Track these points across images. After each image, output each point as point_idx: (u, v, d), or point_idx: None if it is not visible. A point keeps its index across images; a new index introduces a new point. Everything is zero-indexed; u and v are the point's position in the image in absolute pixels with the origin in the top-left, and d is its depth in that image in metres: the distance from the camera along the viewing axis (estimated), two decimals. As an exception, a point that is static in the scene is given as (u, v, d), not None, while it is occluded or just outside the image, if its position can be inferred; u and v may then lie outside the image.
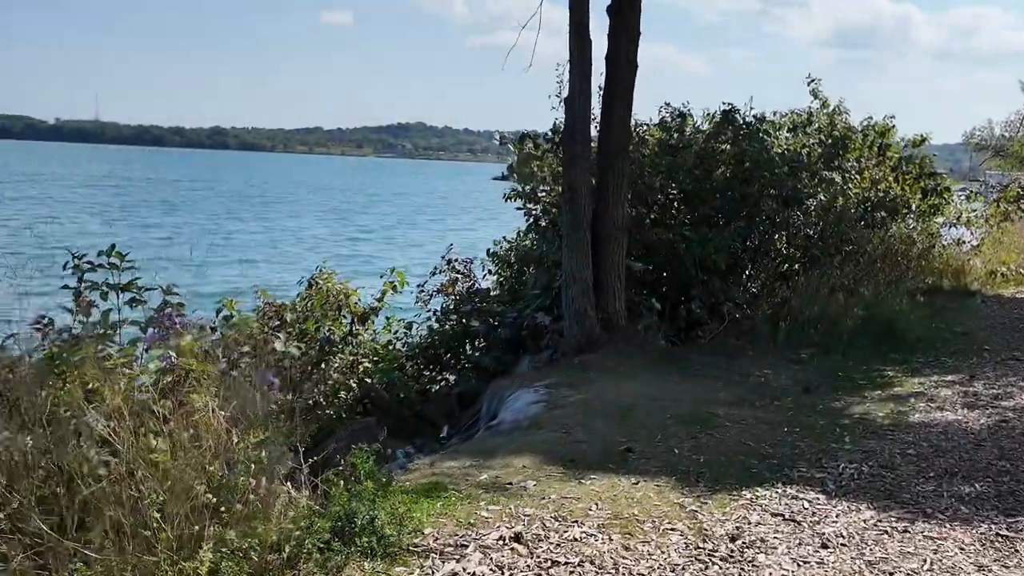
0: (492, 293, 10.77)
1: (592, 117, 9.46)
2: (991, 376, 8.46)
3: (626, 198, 9.37)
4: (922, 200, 14.68)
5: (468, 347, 9.97)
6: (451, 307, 10.47)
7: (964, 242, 15.09)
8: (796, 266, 11.08)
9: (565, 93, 9.20)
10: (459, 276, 10.88)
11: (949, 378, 8.39)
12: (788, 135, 13.86)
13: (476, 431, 7.96)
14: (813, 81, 14.85)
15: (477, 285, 10.75)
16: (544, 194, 10.02)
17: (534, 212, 9.89)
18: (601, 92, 9.42)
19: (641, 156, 10.79)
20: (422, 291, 10.76)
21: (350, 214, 59.79)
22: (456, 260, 11.01)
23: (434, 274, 10.98)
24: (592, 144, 9.51)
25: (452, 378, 9.67)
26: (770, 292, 10.87)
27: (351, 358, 9.17)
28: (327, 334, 8.94)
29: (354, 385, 9.06)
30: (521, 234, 10.44)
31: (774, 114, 15.00)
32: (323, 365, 8.89)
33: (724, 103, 10.75)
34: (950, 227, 15.79)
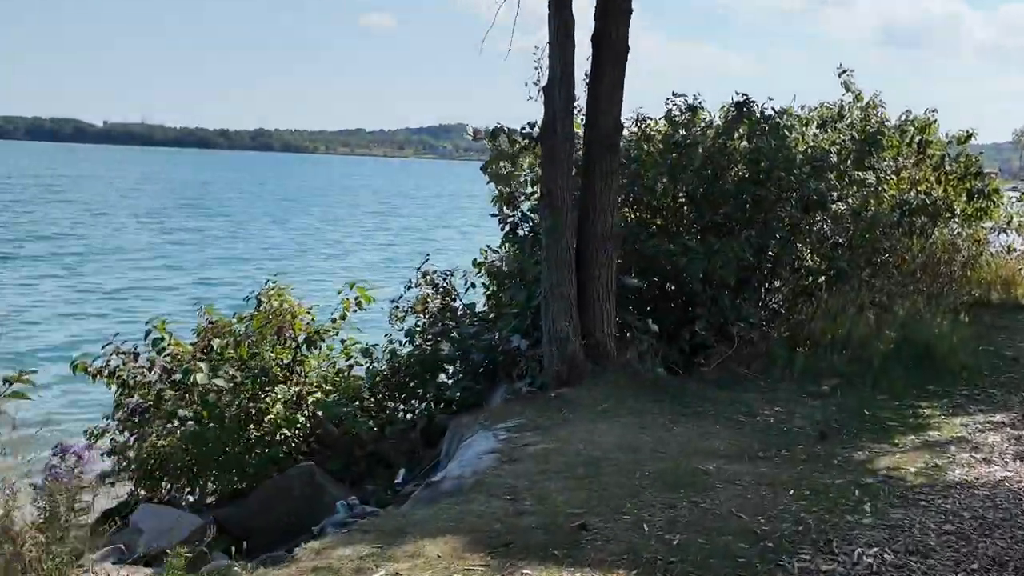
0: (480, 310, 9.57)
1: (578, 108, 8.25)
2: (1050, 415, 7.12)
3: (616, 202, 8.14)
4: (967, 203, 13.25)
5: (441, 374, 8.76)
6: (421, 327, 9.28)
7: (1016, 249, 13.59)
8: (821, 280, 9.74)
9: (545, 80, 7.97)
10: (433, 291, 9.71)
11: (998, 418, 7.06)
12: (817, 131, 12.62)
13: (435, 477, 6.77)
14: (844, 72, 13.60)
15: (458, 301, 9.55)
16: (524, 197, 8.79)
17: (511, 219, 8.65)
18: (587, 79, 8.18)
19: (642, 154, 9.55)
20: (396, 308, 9.60)
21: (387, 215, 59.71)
22: (433, 273, 9.84)
23: (409, 288, 9.82)
24: (578, 139, 8.29)
25: (422, 410, 8.49)
26: (790, 310, 9.55)
27: (297, 388, 8.01)
28: (266, 361, 7.79)
29: (302, 419, 7.93)
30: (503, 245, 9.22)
31: (802, 108, 13.86)
32: (265, 398, 7.76)
33: (738, 93, 9.45)
34: (999, 232, 14.30)
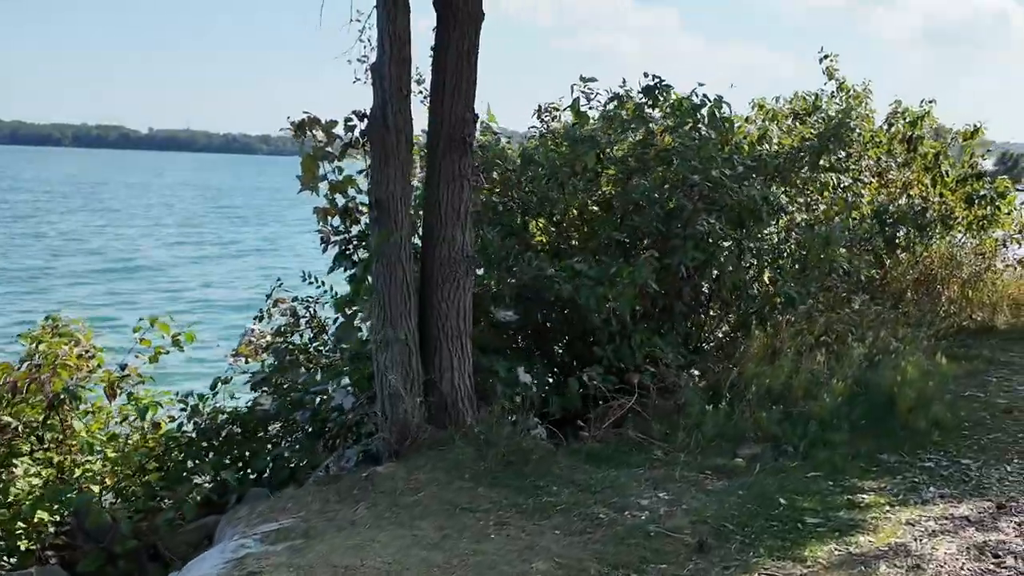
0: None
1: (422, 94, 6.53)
2: (1036, 504, 5.26)
3: (469, 214, 6.36)
4: (967, 209, 11.35)
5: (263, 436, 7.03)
6: (270, 371, 7.55)
7: (1021, 265, 11.64)
8: (767, 309, 7.89)
9: (374, 56, 6.24)
10: (292, 323, 7.99)
11: (962, 509, 5.23)
12: (794, 125, 10.89)
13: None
14: (827, 57, 11.79)
15: (306, 333, 7.84)
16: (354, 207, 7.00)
17: (342, 235, 6.82)
18: (432, 57, 6.43)
19: (544, 155, 7.80)
20: (235, 353, 7.89)
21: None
22: (294, 301, 8.13)
23: (260, 319, 8.11)
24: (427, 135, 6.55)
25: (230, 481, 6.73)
26: (722, 351, 7.73)
27: (59, 457, 6.31)
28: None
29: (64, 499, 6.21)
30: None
31: (776, 99, 12.08)
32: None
33: (647, 75, 7.65)
34: (1017, 244, 12.31)
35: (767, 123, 11.09)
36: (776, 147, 9.35)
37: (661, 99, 7.70)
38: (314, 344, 7.88)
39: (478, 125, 6.79)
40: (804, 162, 8.52)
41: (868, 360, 7.68)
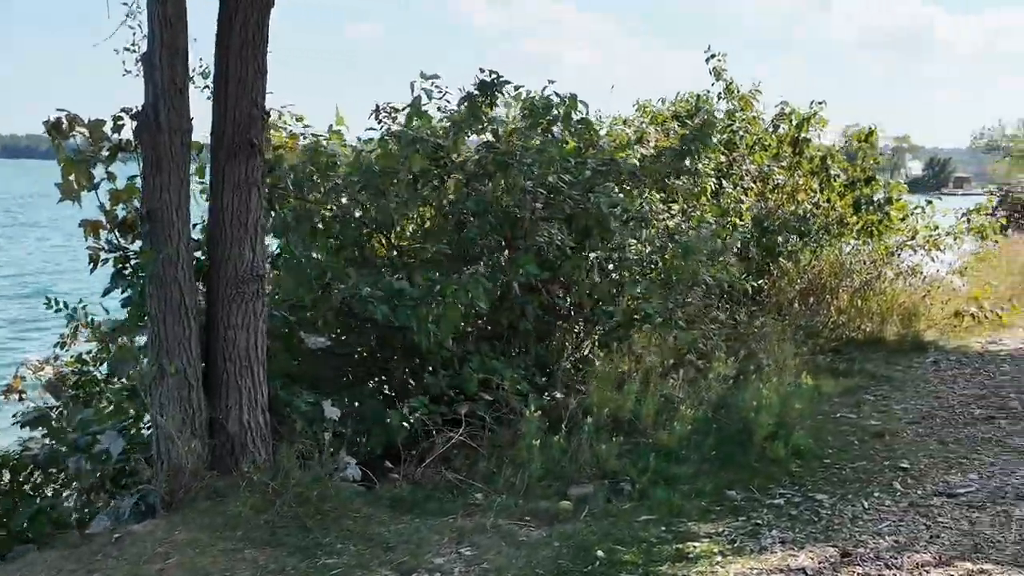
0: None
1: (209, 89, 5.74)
2: (887, 548, 4.65)
3: (261, 225, 5.59)
4: (855, 214, 10.92)
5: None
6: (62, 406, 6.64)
7: (922, 272, 11.23)
8: (625, 328, 7.24)
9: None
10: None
11: (801, 559, 4.60)
12: (677, 127, 10.31)
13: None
14: (714, 57, 11.28)
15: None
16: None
17: (118, 251, 5.96)
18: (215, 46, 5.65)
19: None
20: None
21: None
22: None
23: (63, 346, 7.18)
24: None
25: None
26: (577, 375, 7.06)
27: None
28: None
29: None
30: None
31: (661, 101, 11.58)
32: None
33: (483, 70, 6.95)
34: (912, 251, 11.89)
35: (644, 126, 10.56)
36: (653, 150, 8.75)
37: (500, 97, 7.00)
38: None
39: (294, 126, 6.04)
40: (669, 166, 7.89)
41: (734, 381, 7.11)
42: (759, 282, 10.03)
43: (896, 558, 4.55)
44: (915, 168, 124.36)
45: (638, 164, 7.34)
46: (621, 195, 7.43)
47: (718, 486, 5.59)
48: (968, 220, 11.83)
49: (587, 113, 7.81)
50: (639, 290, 7.14)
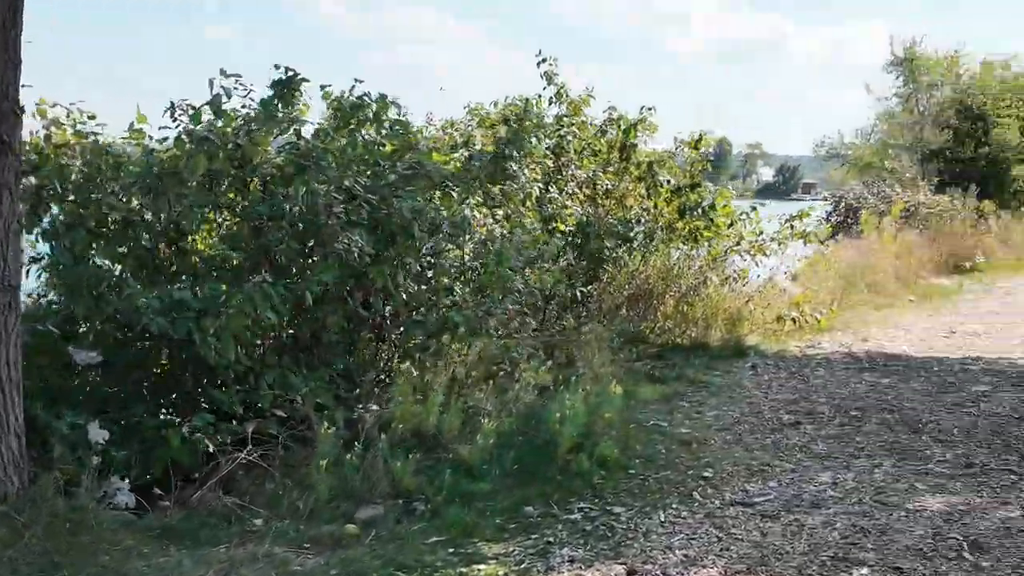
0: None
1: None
2: (676, 563, 4.56)
3: (15, 231, 5.08)
4: (681, 220, 11.02)
5: None
6: None
7: (739, 279, 11.43)
8: (432, 339, 6.99)
9: None
10: None
11: (587, 581, 4.41)
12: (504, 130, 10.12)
13: None
14: (545, 60, 11.16)
15: None
16: None
17: None
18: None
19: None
20: None
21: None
22: None
23: None
24: None
25: None
26: (386, 388, 6.76)
27: None
28: None
29: None
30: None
31: (493, 104, 11.42)
32: None
33: (278, 67, 6.58)
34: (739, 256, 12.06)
35: (471, 129, 10.40)
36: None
37: (299, 95, 6.65)
38: None
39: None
40: (485, 170, 7.69)
41: (549, 390, 6.96)
42: (588, 288, 10.02)
43: (682, 574, 4.45)
44: (766, 174, 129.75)
45: (453, 169, 7.10)
46: (436, 200, 7.22)
47: (516, 502, 5.41)
48: (792, 226, 12.10)
49: (400, 114, 7.55)
50: (449, 300, 6.93)
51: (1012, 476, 5.98)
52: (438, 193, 7.30)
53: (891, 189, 22.59)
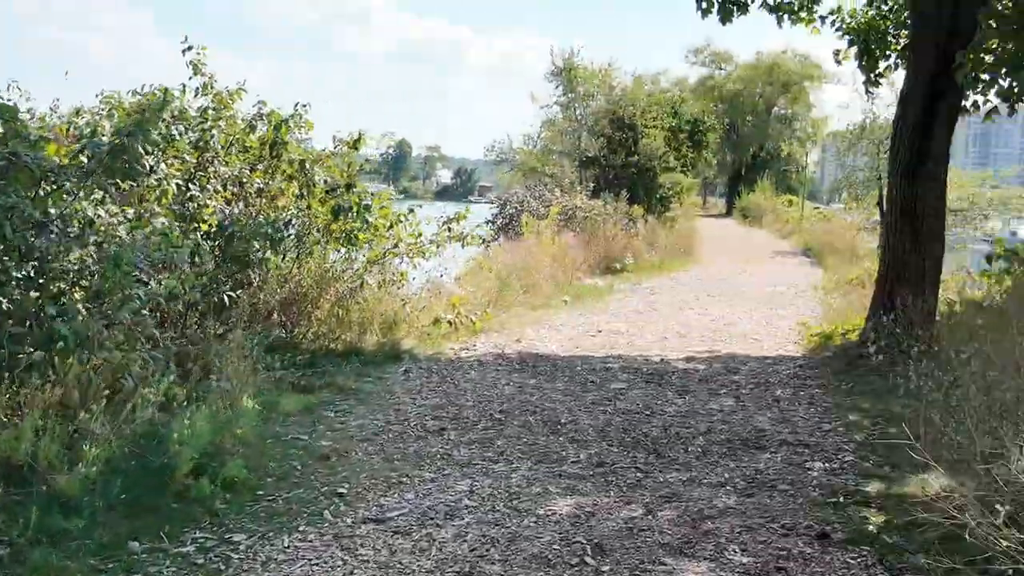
0: None
1: None
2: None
3: None
4: (336, 221, 10.68)
5: None
6: None
7: (397, 281, 11.30)
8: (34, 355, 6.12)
9: None
10: None
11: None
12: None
13: None
14: (192, 48, 10.33)
15: None
16: None
17: None
18: None
19: None
20: None
21: None
22: None
23: None
24: None
25: None
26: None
27: None
28: None
29: None
30: None
31: (131, 93, 10.41)
32: None
33: None
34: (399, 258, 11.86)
35: (101, 119, 9.43)
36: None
37: None
38: None
39: None
40: (101, 163, 6.90)
41: (178, 406, 6.35)
42: (237, 293, 9.40)
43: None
44: (445, 177, 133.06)
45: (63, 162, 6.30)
46: (41, 195, 6.37)
47: (120, 537, 4.80)
48: (449, 228, 12.13)
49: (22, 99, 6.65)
50: (55, 308, 6.11)
51: (638, 474, 6.22)
52: (48, 188, 6.48)
53: (551, 193, 23.57)
